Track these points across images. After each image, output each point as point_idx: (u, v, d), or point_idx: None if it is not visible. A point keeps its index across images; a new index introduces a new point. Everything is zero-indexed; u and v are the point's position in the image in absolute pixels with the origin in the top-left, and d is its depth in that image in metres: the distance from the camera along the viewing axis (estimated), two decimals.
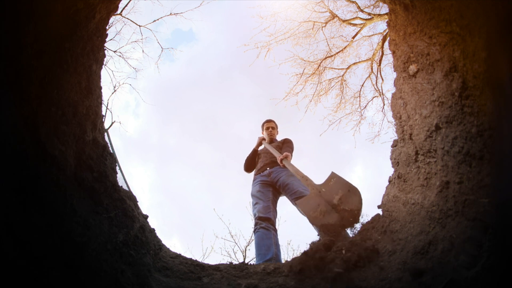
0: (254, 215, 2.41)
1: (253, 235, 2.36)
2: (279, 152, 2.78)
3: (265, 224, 2.26)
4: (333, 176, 1.91)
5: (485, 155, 0.86)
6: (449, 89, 1.00)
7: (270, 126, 3.29)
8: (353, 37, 6.73)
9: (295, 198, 2.31)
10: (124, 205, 1.34)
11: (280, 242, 2.24)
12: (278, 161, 2.54)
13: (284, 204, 2.79)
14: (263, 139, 3.17)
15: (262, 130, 3.35)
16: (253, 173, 3.00)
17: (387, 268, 1.07)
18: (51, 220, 0.92)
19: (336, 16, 6.54)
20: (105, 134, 1.56)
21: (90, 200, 1.18)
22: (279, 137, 3.31)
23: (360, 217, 1.53)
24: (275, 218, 2.40)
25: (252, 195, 2.61)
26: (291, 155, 2.83)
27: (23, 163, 0.91)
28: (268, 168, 2.74)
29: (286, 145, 2.94)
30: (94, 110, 1.35)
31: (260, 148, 3.19)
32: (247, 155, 3.11)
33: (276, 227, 2.37)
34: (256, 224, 2.30)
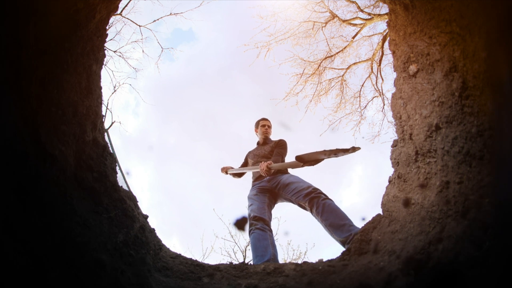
0: (249, 215, 2.37)
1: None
2: (269, 155, 2.79)
3: (260, 225, 2.22)
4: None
5: (485, 155, 0.86)
6: (449, 89, 1.00)
7: (266, 124, 3.15)
8: (353, 37, 6.73)
9: (295, 194, 2.27)
10: (124, 205, 1.34)
11: (280, 242, 2.21)
12: (262, 173, 2.49)
13: (284, 204, 2.74)
14: (226, 171, 3.09)
15: (256, 127, 3.21)
16: (250, 179, 2.95)
17: (387, 268, 1.07)
18: (51, 220, 0.92)
19: (336, 16, 6.55)
20: (105, 134, 1.56)
21: (90, 200, 1.18)
22: (272, 138, 3.22)
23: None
24: (269, 220, 2.36)
25: (248, 198, 2.59)
26: (283, 159, 2.77)
27: (23, 163, 0.91)
28: (265, 179, 2.66)
29: (278, 150, 2.82)
30: (94, 110, 1.35)
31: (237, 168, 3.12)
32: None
33: (273, 227, 2.33)
34: (251, 225, 2.26)
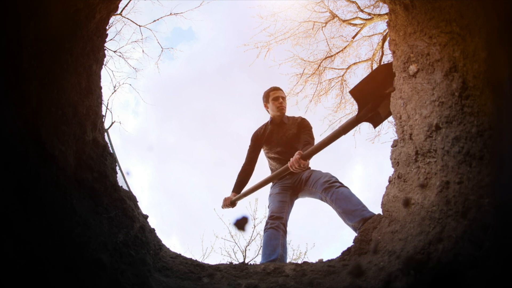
0: (268, 214, 2.33)
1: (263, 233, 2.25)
2: (296, 139, 2.38)
3: (276, 224, 2.18)
4: None
5: (485, 155, 0.86)
6: (449, 89, 1.00)
7: (280, 95, 2.45)
8: (353, 37, 6.73)
9: (314, 185, 2.18)
10: (124, 205, 1.34)
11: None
12: (297, 170, 2.02)
13: (297, 201, 2.64)
14: (230, 202, 2.44)
15: (266, 101, 2.52)
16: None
17: (387, 268, 1.07)
18: (51, 220, 0.92)
19: (336, 16, 6.55)
20: (105, 134, 1.56)
21: (90, 200, 1.18)
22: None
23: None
24: (287, 219, 2.30)
25: (270, 196, 2.48)
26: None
27: (23, 163, 0.91)
28: (288, 176, 2.44)
29: (307, 136, 2.37)
30: (94, 110, 1.35)
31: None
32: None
33: (287, 229, 2.26)
34: (266, 224, 2.23)
